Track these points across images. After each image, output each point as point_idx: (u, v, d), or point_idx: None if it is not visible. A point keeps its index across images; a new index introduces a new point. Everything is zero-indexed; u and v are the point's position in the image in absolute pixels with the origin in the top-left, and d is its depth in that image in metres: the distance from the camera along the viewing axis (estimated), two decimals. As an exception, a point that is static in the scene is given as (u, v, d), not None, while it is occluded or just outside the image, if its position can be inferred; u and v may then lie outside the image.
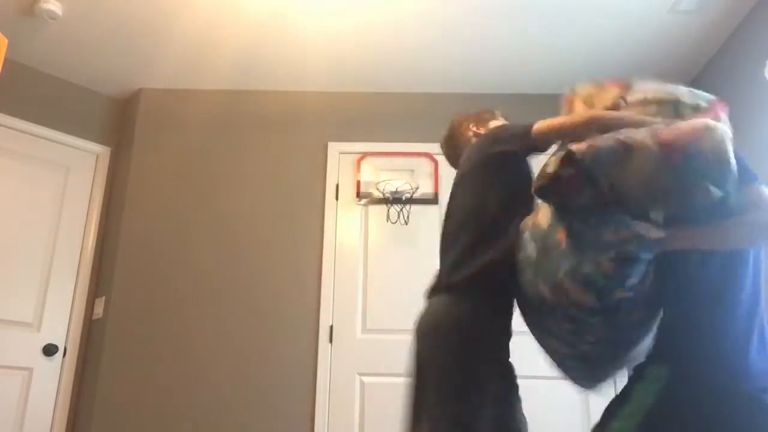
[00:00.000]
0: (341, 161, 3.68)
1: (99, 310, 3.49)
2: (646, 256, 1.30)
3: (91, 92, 3.87)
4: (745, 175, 1.29)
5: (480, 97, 3.81)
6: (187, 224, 3.57)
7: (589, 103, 1.61)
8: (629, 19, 3.15)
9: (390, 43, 3.39)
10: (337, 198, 3.61)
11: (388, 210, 3.56)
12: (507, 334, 1.64)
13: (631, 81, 1.55)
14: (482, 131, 1.95)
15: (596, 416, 1.48)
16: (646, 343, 1.45)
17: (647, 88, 1.50)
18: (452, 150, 2.03)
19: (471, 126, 1.99)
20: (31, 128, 3.56)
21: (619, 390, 1.40)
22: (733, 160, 1.24)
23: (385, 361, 3.31)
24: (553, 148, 1.69)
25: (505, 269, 1.58)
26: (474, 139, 1.94)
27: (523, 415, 1.60)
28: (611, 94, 1.54)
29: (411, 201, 3.55)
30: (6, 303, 3.30)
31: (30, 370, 3.31)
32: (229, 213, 3.60)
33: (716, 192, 1.22)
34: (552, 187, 1.32)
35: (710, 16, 3.11)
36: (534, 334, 1.61)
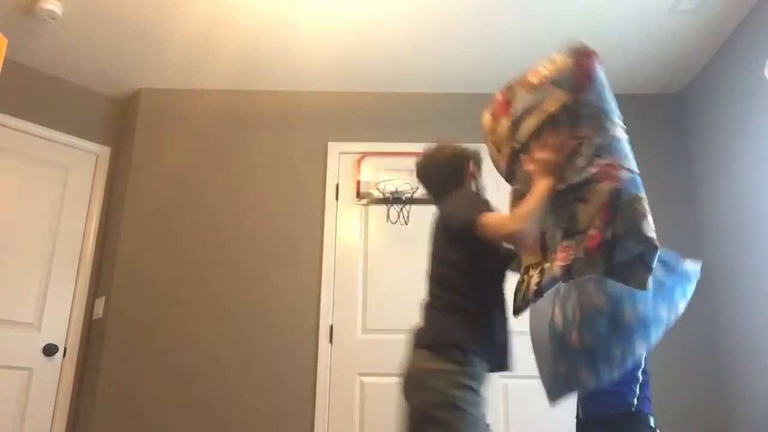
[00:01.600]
0: (341, 161, 3.68)
1: (99, 310, 3.49)
2: None
3: (91, 92, 3.87)
4: None
5: (480, 97, 3.80)
6: (187, 224, 3.57)
7: (494, 140, 1.88)
8: (629, 19, 3.15)
9: (390, 43, 3.39)
10: (337, 198, 3.61)
11: (388, 210, 3.56)
12: None
13: (510, 94, 1.79)
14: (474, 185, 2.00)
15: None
16: None
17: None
18: (435, 182, 2.01)
19: (471, 167, 2.01)
20: (31, 128, 3.56)
21: None
22: None
23: (385, 361, 3.31)
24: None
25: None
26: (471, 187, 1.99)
27: None
28: (503, 126, 1.80)
29: (411, 201, 3.55)
30: (6, 303, 3.30)
31: (30, 370, 3.31)
32: (229, 213, 3.59)
33: None
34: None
35: (710, 16, 3.11)
36: None
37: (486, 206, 1.81)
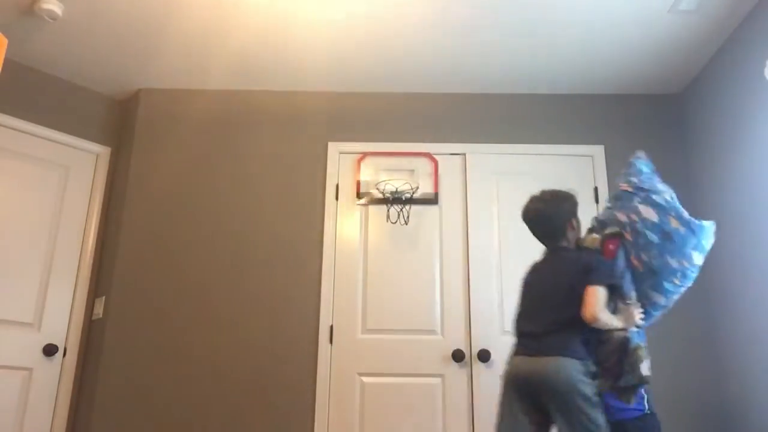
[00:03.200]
0: (341, 161, 3.68)
1: (99, 310, 3.49)
2: None
3: (91, 92, 3.87)
4: None
5: (480, 97, 3.81)
6: (187, 224, 3.57)
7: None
8: (629, 19, 3.15)
9: (390, 44, 3.38)
10: (337, 198, 3.61)
11: (388, 210, 3.56)
12: None
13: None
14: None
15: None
16: None
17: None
18: (543, 227, 2.36)
19: (574, 223, 2.39)
20: (31, 128, 3.56)
21: None
22: None
23: (385, 361, 3.31)
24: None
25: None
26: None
27: None
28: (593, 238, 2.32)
29: (411, 201, 3.55)
30: (6, 303, 3.31)
31: (30, 370, 3.31)
32: (229, 213, 3.60)
33: None
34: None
35: (710, 16, 3.11)
36: None
37: (616, 278, 2.17)
